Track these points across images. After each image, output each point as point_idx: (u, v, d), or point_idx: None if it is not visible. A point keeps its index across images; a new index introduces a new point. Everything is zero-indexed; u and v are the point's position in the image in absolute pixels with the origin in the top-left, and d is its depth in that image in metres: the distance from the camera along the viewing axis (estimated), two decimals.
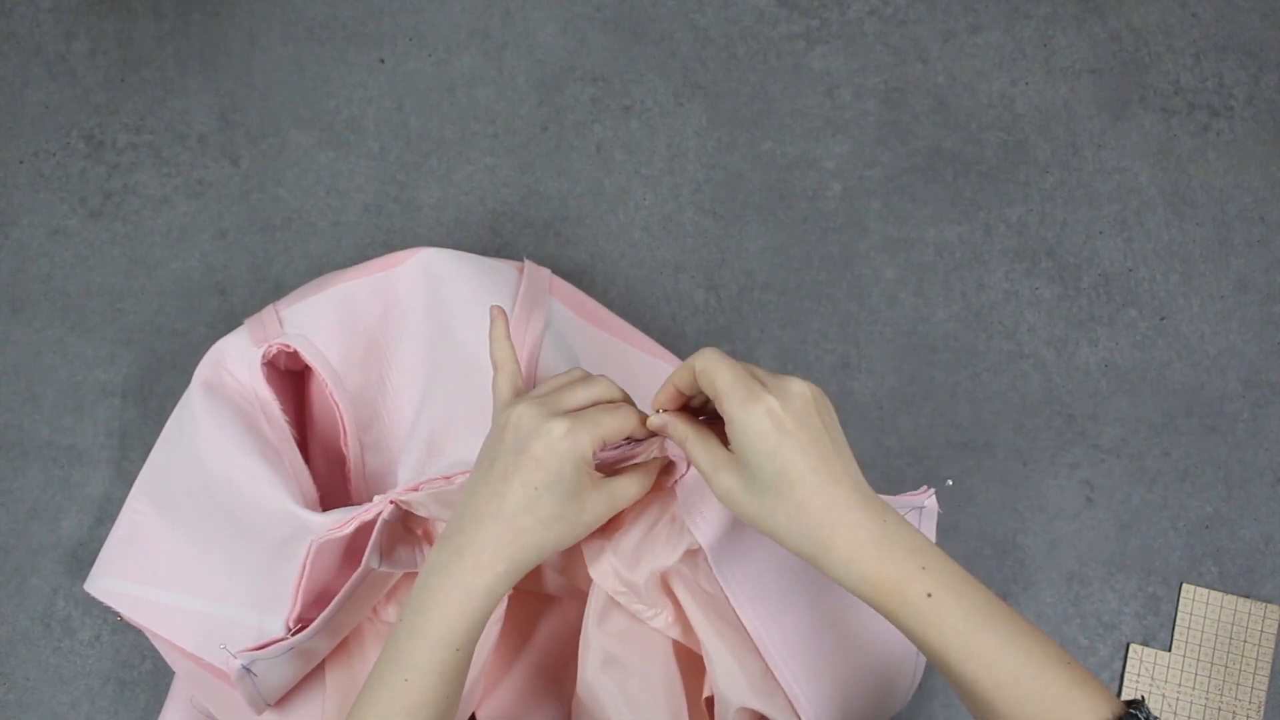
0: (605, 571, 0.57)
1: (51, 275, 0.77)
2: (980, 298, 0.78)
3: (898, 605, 0.44)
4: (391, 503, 0.56)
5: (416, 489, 0.55)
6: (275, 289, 0.77)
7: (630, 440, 0.52)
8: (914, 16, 0.81)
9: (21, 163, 0.78)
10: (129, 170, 0.78)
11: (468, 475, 0.54)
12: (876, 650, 0.58)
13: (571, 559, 0.62)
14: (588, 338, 0.67)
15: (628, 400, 0.52)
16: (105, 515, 0.74)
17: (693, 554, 0.56)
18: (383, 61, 0.80)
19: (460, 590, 0.47)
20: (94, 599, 0.74)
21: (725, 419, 0.46)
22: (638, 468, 0.52)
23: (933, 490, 0.58)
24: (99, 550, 0.74)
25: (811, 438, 0.45)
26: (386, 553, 0.56)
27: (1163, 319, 0.78)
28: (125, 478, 0.75)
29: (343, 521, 0.55)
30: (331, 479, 0.66)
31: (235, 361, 0.61)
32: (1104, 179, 0.80)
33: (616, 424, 0.49)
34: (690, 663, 0.62)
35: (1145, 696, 0.73)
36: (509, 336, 0.54)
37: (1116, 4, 0.82)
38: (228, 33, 0.80)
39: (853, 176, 0.79)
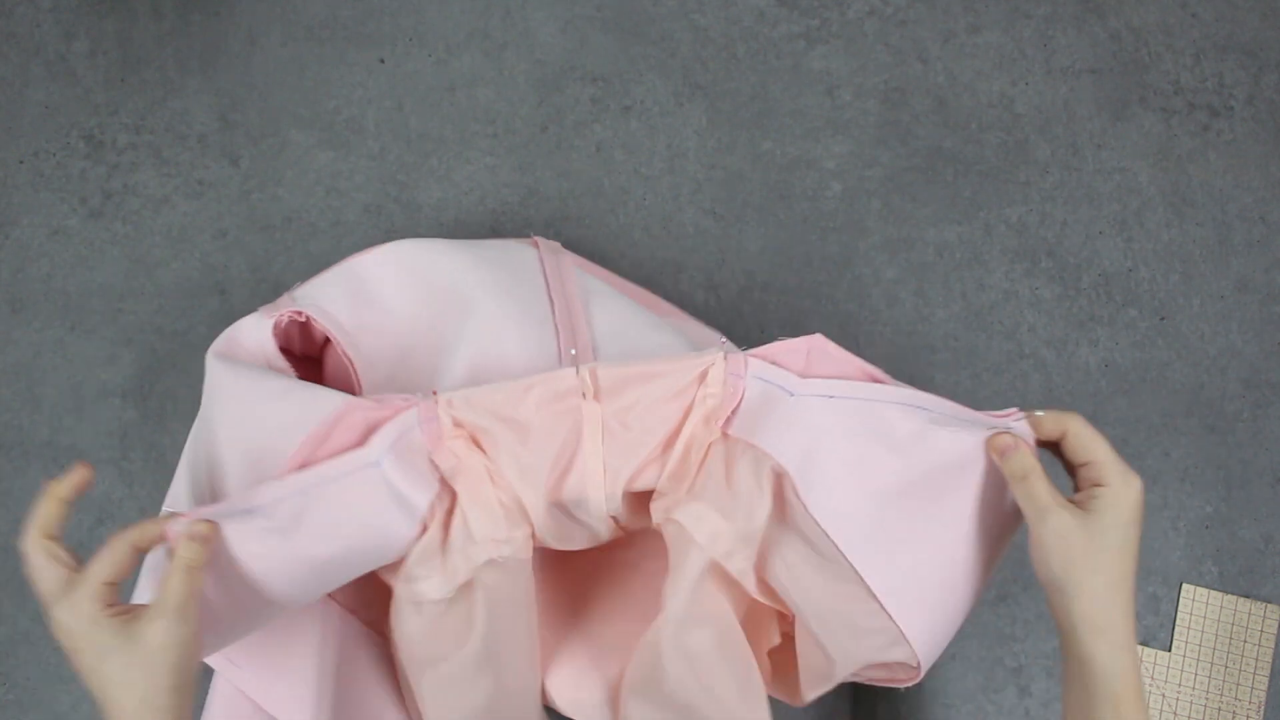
0: (712, 534, 0.55)
1: (51, 275, 0.77)
2: (980, 298, 0.78)
3: (1123, 706, 0.50)
4: (434, 392, 0.54)
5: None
6: (275, 289, 0.77)
7: None
8: (914, 16, 0.81)
9: (21, 163, 0.78)
10: (129, 170, 0.78)
11: (520, 383, 0.53)
12: (972, 563, 0.57)
13: (635, 510, 0.61)
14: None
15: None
16: (105, 515, 0.74)
17: (781, 508, 0.55)
18: (383, 61, 0.80)
19: None
20: None
21: (1095, 483, 0.52)
22: (172, 571, 0.48)
23: (1023, 415, 0.55)
24: (99, 549, 0.74)
25: (1139, 534, 0.52)
26: (400, 454, 0.53)
27: (1163, 319, 0.78)
28: (125, 478, 0.75)
29: (379, 398, 0.53)
30: None
31: (248, 336, 0.60)
32: (1104, 179, 0.80)
33: (100, 568, 0.47)
34: (754, 615, 0.61)
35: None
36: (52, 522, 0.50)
37: (1116, 4, 0.82)
38: (228, 33, 0.80)
39: (853, 176, 0.79)
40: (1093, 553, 0.51)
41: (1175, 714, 0.74)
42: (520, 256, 0.65)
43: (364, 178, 0.78)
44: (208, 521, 0.49)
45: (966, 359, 0.77)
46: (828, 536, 0.53)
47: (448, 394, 0.54)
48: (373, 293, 0.62)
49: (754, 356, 0.55)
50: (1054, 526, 0.51)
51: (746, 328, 0.77)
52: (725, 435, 0.55)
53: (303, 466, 0.51)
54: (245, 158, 0.79)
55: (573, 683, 0.65)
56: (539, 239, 0.70)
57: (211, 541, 0.49)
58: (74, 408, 0.75)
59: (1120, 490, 0.51)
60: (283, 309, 0.60)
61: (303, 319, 0.60)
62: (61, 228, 0.78)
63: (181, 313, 0.77)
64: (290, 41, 0.80)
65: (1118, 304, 0.78)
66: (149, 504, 0.74)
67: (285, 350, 0.62)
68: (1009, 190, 0.79)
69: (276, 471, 0.52)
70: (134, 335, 0.76)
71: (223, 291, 0.77)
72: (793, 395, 0.54)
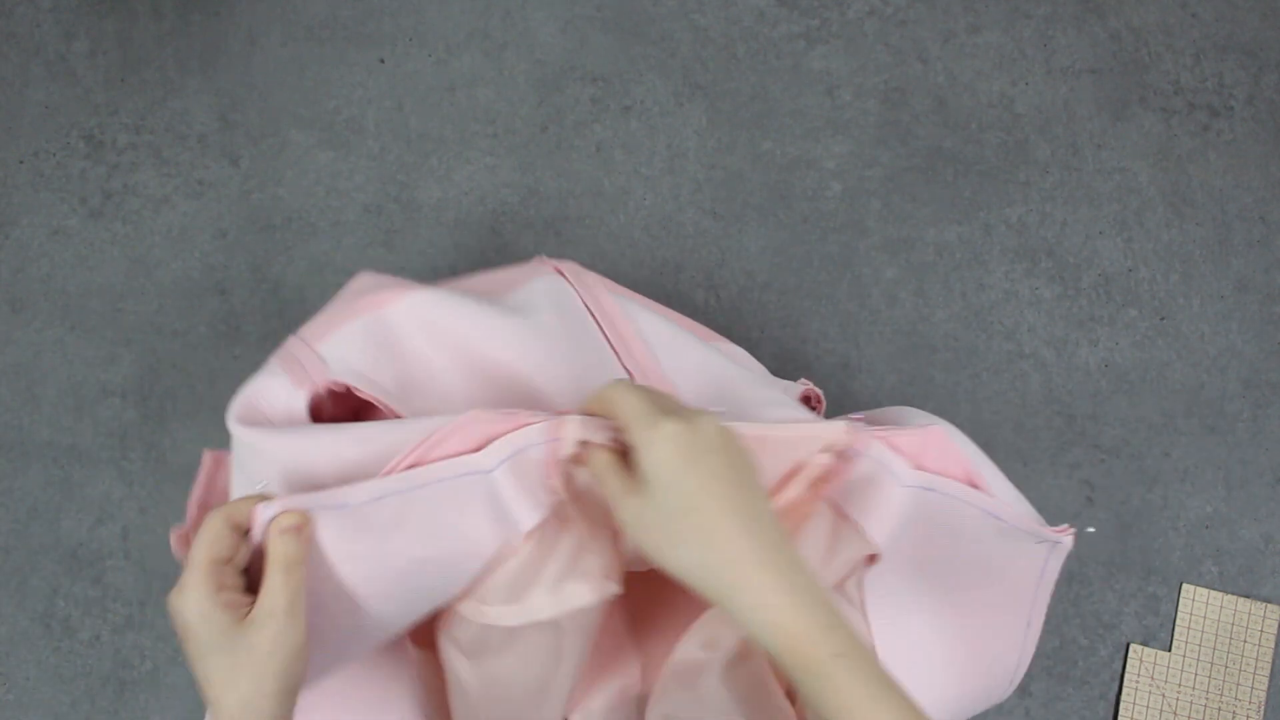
0: None
1: (51, 275, 0.77)
2: (980, 298, 0.78)
3: (803, 662, 0.42)
4: (560, 412, 0.49)
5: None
6: (275, 289, 0.77)
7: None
8: (914, 16, 0.81)
9: (21, 163, 0.78)
10: (129, 170, 0.78)
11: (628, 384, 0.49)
12: (989, 657, 0.57)
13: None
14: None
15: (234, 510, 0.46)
16: (105, 515, 0.74)
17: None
18: (383, 61, 0.80)
19: None
20: (94, 599, 0.74)
21: (631, 447, 0.44)
22: (270, 570, 0.46)
23: (1073, 531, 0.54)
24: (99, 549, 0.74)
25: (724, 464, 0.44)
26: (516, 468, 0.49)
27: (1163, 319, 0.78)
28: (125, 478, 0.75)
29: (505, 411, 0.49)
30: None
31: (270, 405, 0.53)
32: (1104, 179, 0.80)
33: (201, 548, 0.45)
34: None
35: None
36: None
37: (1116, 4, 0.82)
38: (228, 33, 0.80)
39: (853, 176, 0.79)
40: (660, 525, 0.44)
41: (1175, 714, 0.74)
42: (555, 295, 0.60)
43: (364, 178, 0.78)
44: (299, 511, 0.46)
45: (966, 359, 0.77)
46: (859, 589, 0.53)
47: (575, 416, 0.49)
48: (409, 351, 0.57)
49: (879, 439, 0.53)
50: (625, 518, 0.45)
51: (746, 328, 0.77)
52: (823, 499, 0.54)
53: (413, 466, 0.48)
54: (245, 158, 0.79)
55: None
56: (554, 263, 0.65)
57: (305, 533, 0.46)
58: (74, 408, 0.75)
59: (646, 441, 0.43)
60: (314, 373, 0.54)
61: (341, 389, 0.54)
62: (61, 228, 0.78)
63: (181, 313, 0.77)
64: (290, 41, 0.80)
65: (1118, 304, 0.78)
66: (149, 504, 0.74)
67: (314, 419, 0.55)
68: (1009, 190, 0.79)
69: (384, 469, 0.48)
70: (134, 335, 0.76)
71: (223, 291, 0.77)
72: (903, 486, 0.53)
